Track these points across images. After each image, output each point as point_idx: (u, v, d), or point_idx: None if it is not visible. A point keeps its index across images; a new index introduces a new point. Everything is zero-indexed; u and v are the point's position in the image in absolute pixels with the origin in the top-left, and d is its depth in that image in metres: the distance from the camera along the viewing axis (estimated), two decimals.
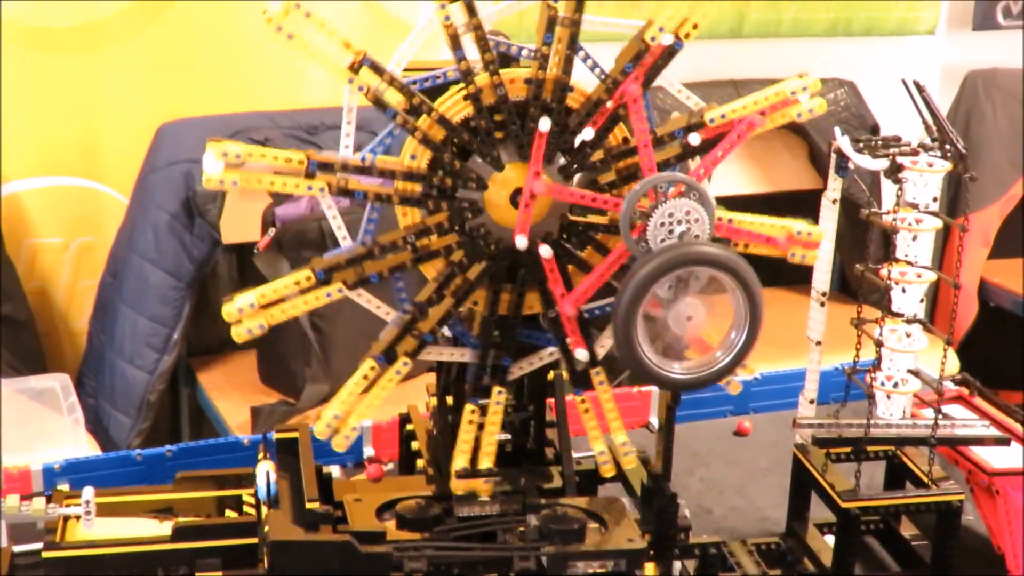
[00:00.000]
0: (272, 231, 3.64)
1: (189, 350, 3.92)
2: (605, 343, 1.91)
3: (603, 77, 1.85)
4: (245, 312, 1.78)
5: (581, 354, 1.86)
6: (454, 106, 1.83)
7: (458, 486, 1.88)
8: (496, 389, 1.88)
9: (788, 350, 2.33)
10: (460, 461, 1.88)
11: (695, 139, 1.86)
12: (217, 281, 3.98)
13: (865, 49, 4.85)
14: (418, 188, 1.83)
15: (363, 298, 1.86)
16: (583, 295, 1.84)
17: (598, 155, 1.88)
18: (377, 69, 1.78)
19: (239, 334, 1.81)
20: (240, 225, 3.74)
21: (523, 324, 1.92)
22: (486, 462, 1.88)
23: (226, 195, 3.69)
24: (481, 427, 1.90)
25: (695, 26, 1.83)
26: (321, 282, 1.82)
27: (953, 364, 4.32)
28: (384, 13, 3.99)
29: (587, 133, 1.83)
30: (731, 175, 4.56)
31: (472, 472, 1.89)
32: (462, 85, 1.81)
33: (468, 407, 1.89)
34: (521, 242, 1.81)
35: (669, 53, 1.83)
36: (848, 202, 3.82)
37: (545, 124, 1.78)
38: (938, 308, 4.98)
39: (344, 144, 1.83)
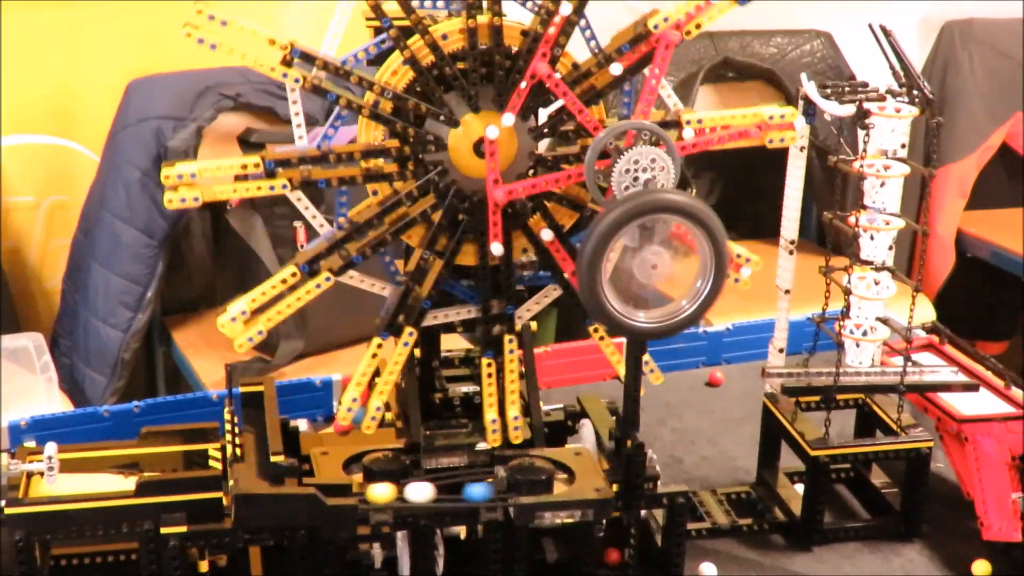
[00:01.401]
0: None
1: (163, 308, 3.91)
2: (526, 313, 1.93)
3: (597, 51, 1.83)
4: (185, 180, 1.74)
5: (496, 248, 1.84)
6: (396, 73, 1.82)
7: (344, 418, 1.88)
8: (407, 330, 1.87)
9: (762, 301, 2.31)
10: (352, 392, 1.87)
11: (616, 69, 1.82)
12: (191, 239, 3.96)
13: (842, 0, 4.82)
14: (389, 106, 1.81)
15: (354, 280, 1.86)
16: (519, 189, 1.81)
17: (568, 128, 1.87)
18: (309, 58, 1.76)
19: (242, 345, 1.82)
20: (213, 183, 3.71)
21: (454, 275, 1.91)
22: (377, 400, 1.87)
23: (198, 152, 3.66)
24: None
25: (699, 26, 1.84)
26: (307, 275, 1.81)
27: (930, 314, 4.33)
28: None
29: (616, 68, 1.80)
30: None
31: (433, 424, 1.90)
32: (462, 18, 1.79)
33: (484, 361, 1.88)
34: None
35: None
36: (824, 150, 3.82)
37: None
38: (916, 258, 4.98)
39: (298, 136, 1.83)
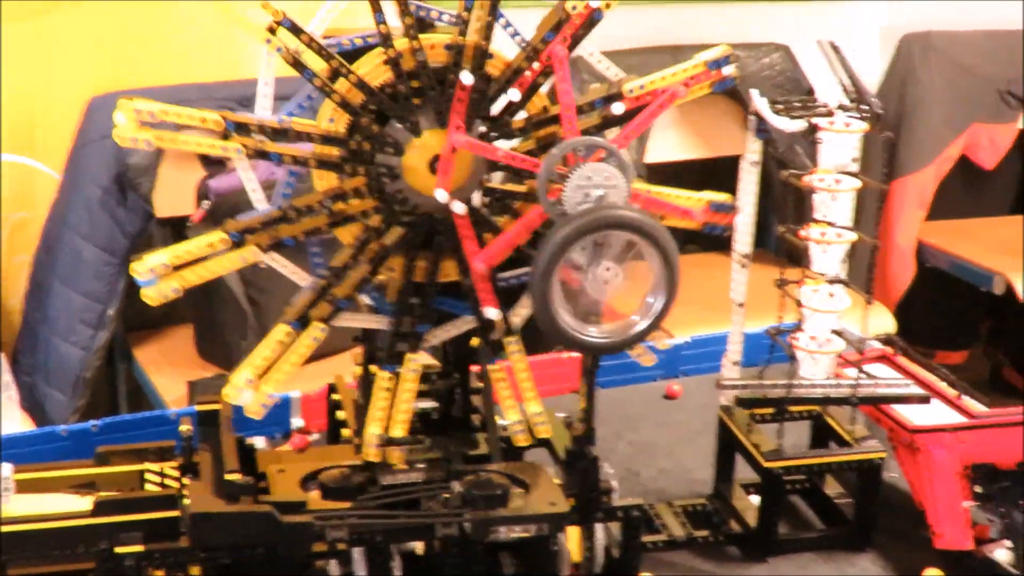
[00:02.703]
0: (206, 203, 3.62)
1: (125, 326, 3.90)
2: (521, 312, 1.92)
3: (524, 45, 1.84)
4: (158, 272, 1.75)
5: (492, 312, 1.85)
6: (373, 70, 1.82)
7: (373, 453, 1.87)
8: (410, 357, 1.88)
9: (721, 313, 2.33)
10: (374, 428, 1.87)
11: (618, 108, 1.86)
12: None
13: (801, 13, 4.86)
14: (335, 152, 1.81)
15: (278, 262, 1.84)
16: (496, 253, 1.83)
17: (517, 124, 1.87)
18: (296, 31, 1.76)
19: (151, 296, 1.78)
20: (173, 198, 3.71)
21: (440, 292, 1.91)
22: (398, 430, 1.88)
23: (159, 168, 3.66)
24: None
25: (608, 5, 1.83)
26: (235, 244, 1.80)
27: (889, 325, 4.37)
28: None
29: (513, 94, 1.82)
30: (668, 141, 4.57)
31: (391, 440, 1.89)
32: (382, 49, 1.80)
33: (382, 374, 1.88)
34: (441, 196, 1.80)
35: (590, 22, 1.82)
36: (784, 164, 3.85)
37: (468, 78, 1.77)
38: (876, 271, 5.01)
39: (261, 106, 1.81)
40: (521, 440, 1.92)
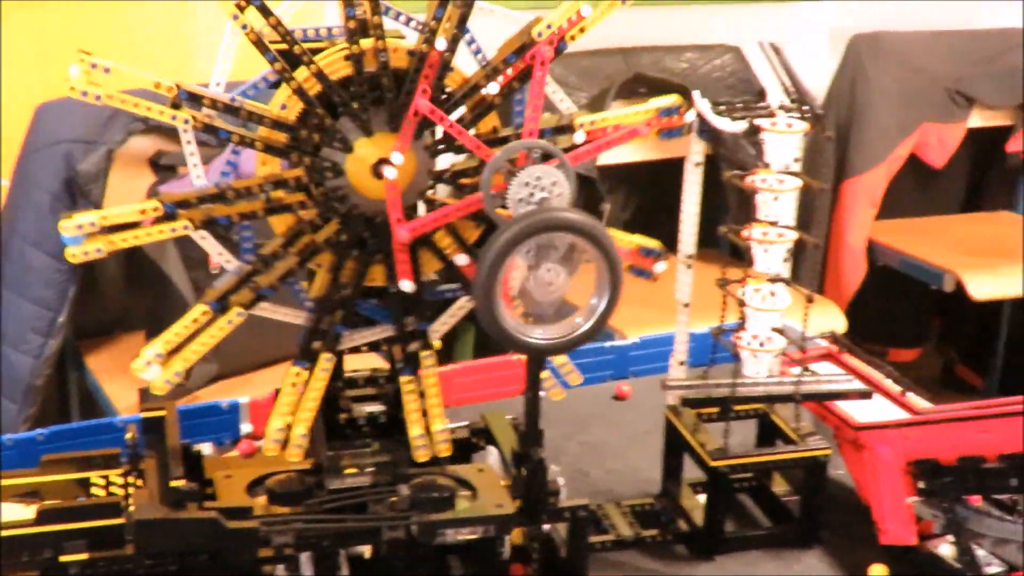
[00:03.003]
0: None
1: (76, 333, 3.88)
2: (441, 328, 1.94)
3: (484, 64, 1.85)
4: (85, 229, 1.73)
5: (406, 285, 1.85)
6: (333, 64, 1.82)
7: (271, 449, 1.87)
8: (324, 356, 1.88)
9: (672, 313, 2.34)
10: (276, 423, 1.87)
11: (580, 137, 1.88)
12: (102, 262, 3.94)
13: (751, 15, 4.90)
14: (283, 138, 1.81)
15: (207, 241, 1.84)
16: (424, 226, 1.83)
17: None
18: (265, 12, 1.75)
19: (74, 255, 1.76)
20: (124, 205, 3.69)
21: (364, 296, 1.91)
22: (301, 428, 1.87)
23: (109, 175, 3.64)
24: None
25: (583, 30, 1.85)
26: (167, 215, 1.78)
27: (840, 323, 4.40)
28: None
29: (492, 87, 1.82)
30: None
31: (340, 445, 1.90)
32: (345, 44, 1.80)
33: (292, 369, 1.88)
34: (408, 286, 1.84)
35: (556, 51, 1.84)
36: (735, 165, 3.88)
37: (424, 105, 1.78)
38: (828, 269, 5.06)
39: (215, 82, 1.81)
40: (420, 456, 1.91)
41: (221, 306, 1.82)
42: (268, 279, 1.84)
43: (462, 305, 1.96)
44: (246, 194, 1.81)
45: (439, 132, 1.86)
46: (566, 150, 1.86)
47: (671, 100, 1.94)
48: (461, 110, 1.85)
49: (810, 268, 4.99)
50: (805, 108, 2.06)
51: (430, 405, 1.93)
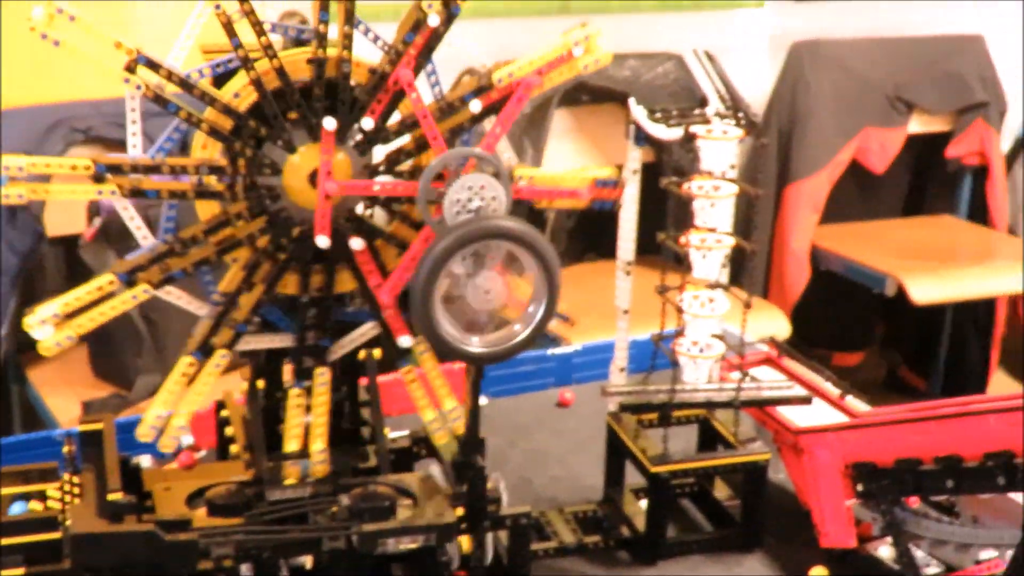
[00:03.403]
0: (98, 221, 3.58)
1: (18, 346, 3.84)
2: (339, 350, 1.94)
3: (386, 49, 1.85)
4: (49, 322, 1.75)
5: (405, 341, 1.88)
6: (241, 93, 1.82)
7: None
8: (318, 370, 1.88)
9: (612, 320, 2.35)
10: (292, 445, 1.87)
11: (476, 106, 1.85)
12: (44, 274, 3.91)
13: (694, 23, 4.92)
14: (213, 180, 1.81)
15: (172, 295, 1.84)
16: (397, 283, 1.84)
17: (393, 126, 1.87)
18: (154, 66, 1.75)
19: (47, 347, 1.78)
20: (64, 217, 3.67)
21: (340, 302, 1.91)
22: (319, 443, 1.88)
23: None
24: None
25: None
26: (125, 284, 1.79)
27: (784, 328, 4.43)
28: None
29: (406, 75, 1.81)
30: (564, 152, 4.60)
31: (277, 455, 1.89)
32: (244, 72, 1.79)
33: (294, 391, 1.89)
34: (323, 242, 1.81)
35: (448, 18, 1.82)
36: (680, 172, 3.90)
37: (330, 124, 1.78)
38: (771, 274, 5.10)
39: (131, 144, 1.81)
40: (440, 438, 1.94)
41: (128, 279, 1.81)
42: (181, 263, 1.83)
43: (365, 332, 1.95)
44: (194, 242, 1.81)
45: (368, 124, 1.85)
46: (481, 116, 1.86)
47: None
48: (405, 138, 1.84)
49: (754, 273, 5.02)
50: (740, 115, 2.07)
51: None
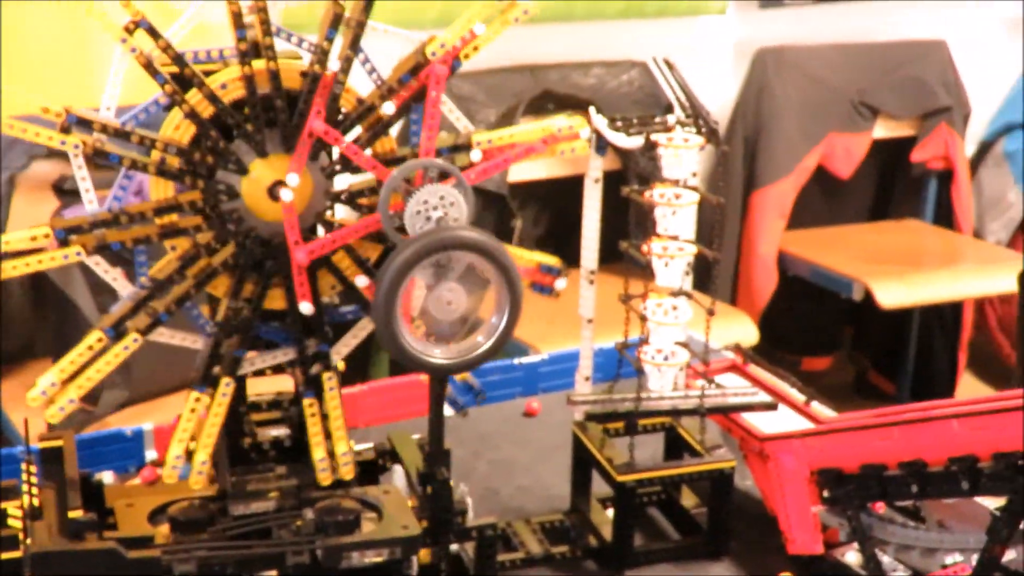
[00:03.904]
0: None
1: None
2: (343, 349, 1.92)
3: (379, 83, 1.85)
4: (50, 393, 1.78)
5: (305, 307, 1.84)
6: (228, 85, 1.80)
7: (171, 475, 1.85)
8: (224, 380, 1.86)
9: (578, 329, 2.35)
10: (176, 450, 1.85)
11: (476, 155, 1.88)
12: (7, 288, 3.87)
13: (658, 30, 4.94)
14: (176, 161, 1.79)
15: (101, 266, 1.81)
16: (322, 246, 1.82)
17: None
18: (154, 34, 1.73)
19: (54, 415, 1.80)
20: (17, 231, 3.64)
21: (263, 319, 1.90)
22: (202, 454, 1.85)
23: (12, 200, 3.59)
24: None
25: (476, 48, 1.85)
26: (60, 242, 1.75)
27: (753, 334, 4.44)
28: None
29: (388, 107, 1.82)
30: (531, 160, 4.59)
31: (244, 469, 1.88)
32: (239, 66, 1.78)
33: (192, 395, 1.86)
34: (301, 258, 1.80)
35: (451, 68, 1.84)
36: (642, 180, 3.91)
37: (319, 126, 1.77)
38: (739, 280, 5.11)
39: (106, 106, 1.78)
40: (324, 479, 1.91)
41: (117, 332, 1.80)
42: (164, 303, 1.82)
43: (364, 326, 1.94)
44: (139, 218, 1.79)
45: (336, 153, 1.85)
46: (463, 168, 1.86)
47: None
48: (357, 130, 1.84)
49: (722, 280, 5.04)
50: (701, 122, 2.07)
51: (333, 427, 1.91)
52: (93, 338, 1.79)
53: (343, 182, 1.89)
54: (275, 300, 1.89)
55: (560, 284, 1.96)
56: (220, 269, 1.83)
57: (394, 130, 1.88)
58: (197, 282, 1.83)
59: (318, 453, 1.89)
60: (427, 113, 1.82)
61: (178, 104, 1.76)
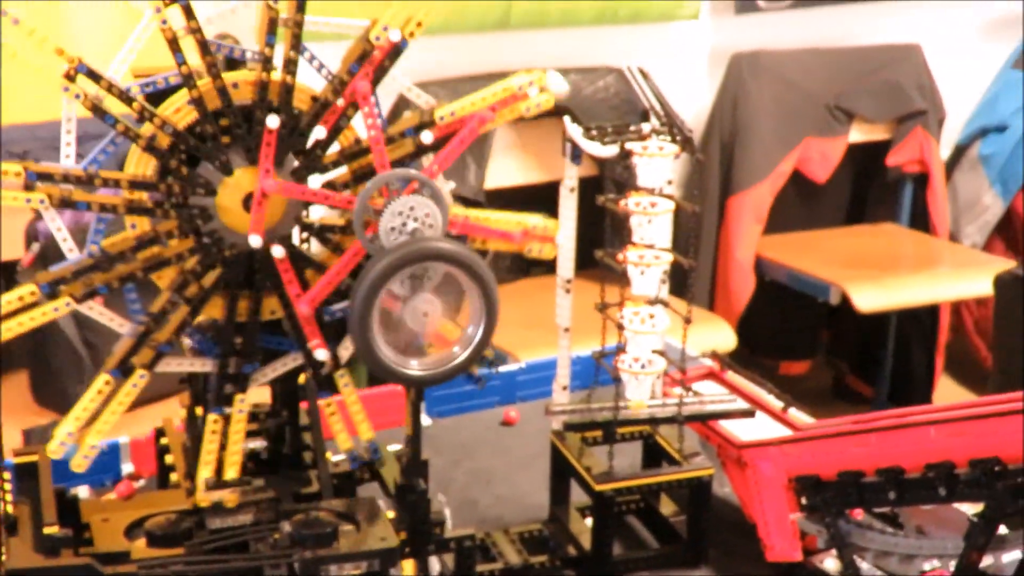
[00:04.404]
0: (35, 246, 3.54)
1: None
2: (350, 345, 1.91)
3: (330, 78, 1.84)
4: (68, 442, 1.79)
5: (322, 354, 1.85)
6: (180, 111, 1.80)
7: (204, 498, 1.85)
8: (238, 397, 1.86)
9: (556, 336, 2.35)
10: (205, 472, 1.85)
11: (427, 137, 1.86)
12: None
13: (632, 36, 4.94)
14: (145, 196, 1.79)
15: (94, 311, 1.82)
16: (319, 294, 1.83)
17: (331, 157, 1.87)
18: (94, 76, 1.73)
19: (79, 464, 1.81)
20: (2, 242, 3.61)
21: (266, 329, 1.89)
22: (231, 472, 1.86)
23: None
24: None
25: (419, 24, 1.84)
26: (47, 296, 1.77)
27: (731, 339, 4.44)
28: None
29: (319, 131, 1.82)
30: (508, 166, 4.60)
31: (219, 483, 1.87)
32: (186, 90, 1.78)
33: (211, 417, 1.86)
34: (255, 241, 1.79)
35: (395, 52, 1.83)
36: (619, 188, 3.91)
37: (273, 121, 1.76)
38: (717, 285, 5.12)
39: (64, 154, 1.79)
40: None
41: (123, 371, 1.81)
42: (164, 335, 1.82)
43: (286, 361, 1.94)
44: (121, 258, 1.79)
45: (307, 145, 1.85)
46: (421, 151, 1.86)
47: (529, 77, 1.92)
48: (321, 131, 1.83)
49: (700, 285, 5.04)
50: (675, 130, 2.07)
51: (356, 421, 1.96)
52: (101, 382, 1.81)
53: (316, 182, 1.87)
54: (213, 309, 1.88)
55: (560, 238, 1.94)
56: (172, 260, 1.82)
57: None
58: (146, 267, 1.82)
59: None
60: (368, 127, 1.81)
61: (133, 140, 1.76)
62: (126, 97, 1.75)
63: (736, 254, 5.03)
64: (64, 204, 1.75)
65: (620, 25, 4.88)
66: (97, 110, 1.74)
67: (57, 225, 1.78)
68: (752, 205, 5.05)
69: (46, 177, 1.74)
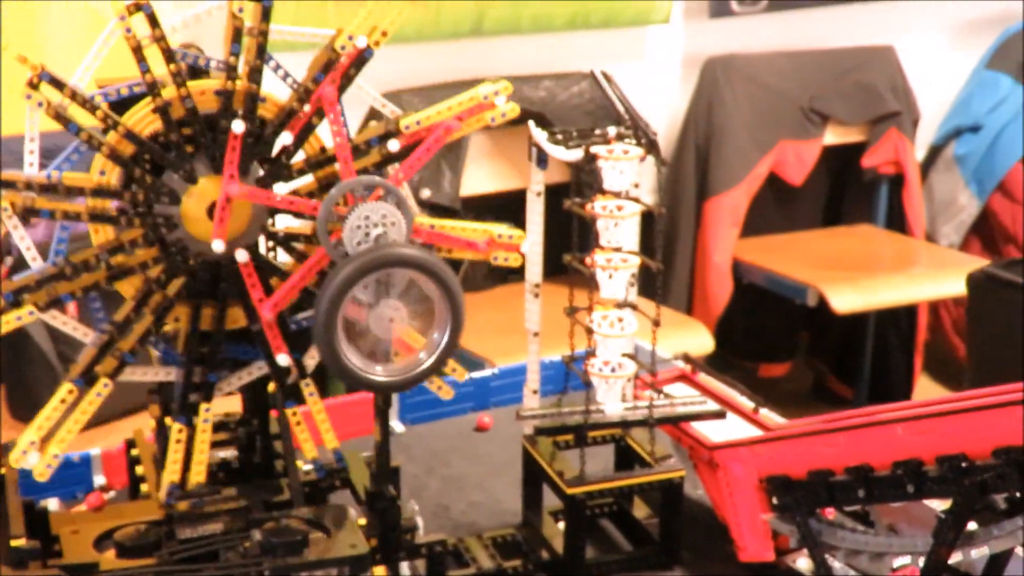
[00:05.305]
0: (9, 260, 3.52)
1: None
2: (315, 354, 1.91)
3: (295, 86, 1.84)
4: (31, 450, 1.78)
5: (283, 360, 1.85)
6: (143, 119, 1.80)
7: (167, 508, 1.84)
8: (203, 406, 1.86)
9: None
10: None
11: (394, 146, 1.86)
12: None
13: (605, 41, 4.95)
14: (109, 204, 1.78)
15: (58, 320, 1.81)
16: (282, 299, 1.83)
17: (297, 165, 1.87)
18: (57, 84, 1.73)
19: (42, 473, 1.79)
20: None
21: (230, 339, 1.89)
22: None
23: None
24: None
25: (384, 33, 1.84)
26: (11, 304, 1.76)
27: (709, 343, 4.45)
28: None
29: (285, 138, 1.82)
30: (481, 174, 4.61)
31: (184, 493, 1.86)
32: (150, 98, 1.78)
33: (175, 426, 1.85)
34: (218, 246, 1.79)
35: (361, 60, 1.83)
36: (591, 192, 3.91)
37: (238, 126, 1.76)
38: (695, 288, 5.13)
39: (28, 162, 1.78)
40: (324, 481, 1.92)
41: (87, 380, 1.80)
42: (128, 343, 1.82)
43: (252, 370, 1.94)
44: (85, 267, 1.79)
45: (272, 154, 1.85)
46: (388, 160, 1.86)
47: (495, 87, 1.93)
48: (287, 137, 1.83)
49: (677, 289, 5.05)
50: (640, 134, 2.08)
51: (322, 431, 1.94)
52: (64, 391, 1.79)
53: (282, 191, 1.88)
54: (237, 319, 1.88)
55: (525, 247, 1.94)
56: (176, 300, 1.83)
57: None
58: (156, 317, 1.82)
59: (311, 453, 1.93)
60: (333, 134, 1.81)
61: (96, 149, 1.76)
62: (90, 105, 1.75)
63: (713, 257, 5.04)
64: (27, 212, 1.75)
65: (593, 30, 4.89)
66: (60, 118, 1.73)
67: (20, 234, 1.78)
68: (728, 208, 5.07)
69: (8, 185, 1.73)
